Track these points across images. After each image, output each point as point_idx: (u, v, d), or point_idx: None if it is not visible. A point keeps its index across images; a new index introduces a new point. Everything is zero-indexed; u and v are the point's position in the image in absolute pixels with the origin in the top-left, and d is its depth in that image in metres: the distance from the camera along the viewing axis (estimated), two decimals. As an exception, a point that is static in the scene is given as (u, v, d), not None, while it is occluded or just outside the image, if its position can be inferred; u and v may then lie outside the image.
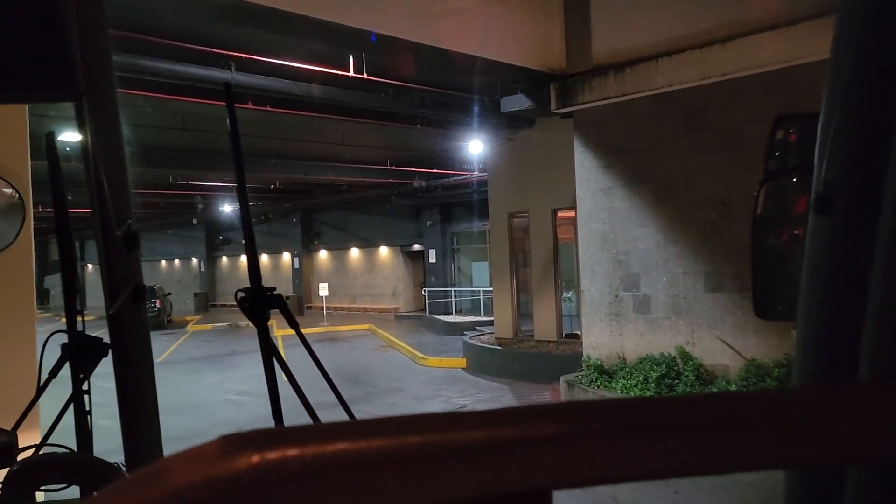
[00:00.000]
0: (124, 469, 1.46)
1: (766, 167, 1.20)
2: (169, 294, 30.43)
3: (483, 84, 11.36)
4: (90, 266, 45.71)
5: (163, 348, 20.59)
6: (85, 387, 1.69)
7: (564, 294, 15.01)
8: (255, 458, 0.27)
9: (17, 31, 0.97)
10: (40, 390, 1.68)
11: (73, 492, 1.44)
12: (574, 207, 14.15)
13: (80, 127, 1.30)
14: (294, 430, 0.28)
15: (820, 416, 0.31)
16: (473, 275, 24.96)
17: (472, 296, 23.57)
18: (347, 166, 19.27)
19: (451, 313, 22.98)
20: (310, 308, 28.95)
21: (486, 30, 9.25)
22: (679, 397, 0.32)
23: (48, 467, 1.34)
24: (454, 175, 21.71)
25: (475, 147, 18.12)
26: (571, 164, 11.66)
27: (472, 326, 20.01)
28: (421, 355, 16.29)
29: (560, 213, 14.70)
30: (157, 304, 27.58)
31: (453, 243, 25.16)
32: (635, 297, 9.80)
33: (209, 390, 14.51)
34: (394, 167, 19.41)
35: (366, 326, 23.62)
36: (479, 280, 24.33)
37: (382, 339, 20.82)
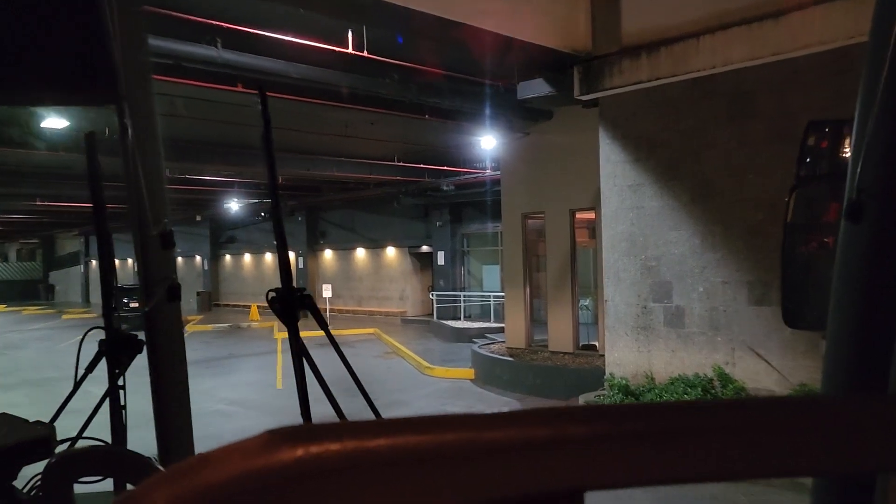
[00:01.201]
0: (157, 462, 1.45)
1: (797, 173, 1.16)
2: (170, 292, 29.53)
3: (497, 68, 10.26)
4: (93, 262, 45.11)
5: (156, 350, 19.64)
6: (120, 382, 1.76)
7: (581, 302, 13.87)
8: (300, 452, 0.28)
9: (61, 39, 1.02)
10: (77, 384, 1.74)
11: (106, 484, 1.43)
12: (594, 208, 13.03)
13: (120, 129, 1.42)
14: (335, 425, 0.29)
15: (849, 425, 0.31)
16: (484, 279, 23.82)
17: (482, 301, 22.45)
18: (352, 161, 18.24)
19: (460, 319, 21.87)
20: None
21: (503, 3, 8.17)
22: (709, 402, 0.32)
23: (86, 459, 1.32)
24: (465, 173, 20.64)
25: (488, 142, 17.10)
26: (592, 162, 10.60)
27: (481, 333, 18.90)
28: (426, 364, 15.20)
29: (578, 215, 13.57)
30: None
31: (463, 245, 24.02)
32: (667, 309, 8.65)
33: (199, 398, 13.36)
34: (402, 163, 18.34)
35: (371, 331, 22.55)
36: (489, 284, 23.20)
37: (387, 344, 19.75)
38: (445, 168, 19.60)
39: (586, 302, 13.88)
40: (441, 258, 23.91)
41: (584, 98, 9.19)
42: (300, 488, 0.27)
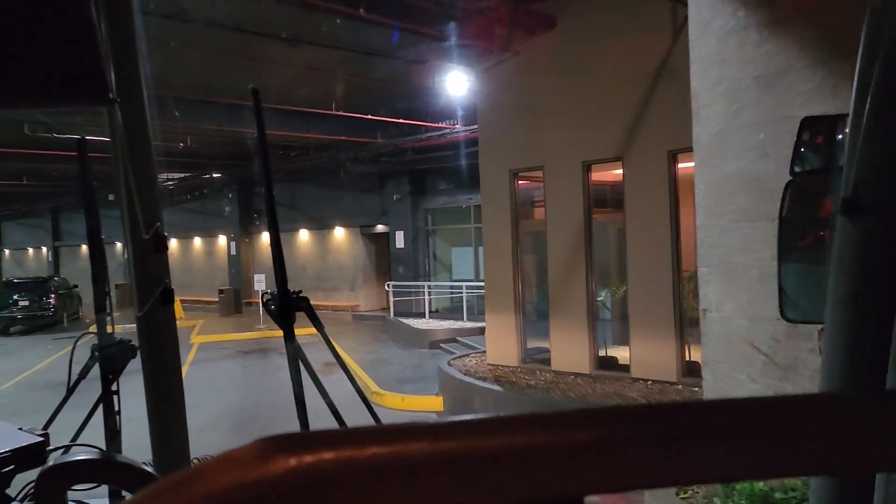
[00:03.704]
0: (152, 469, 1.44)
1: (791, 168, 1.18)
2: (75, 287, 24.43)
3: None
4: (6, 252, 39.34)
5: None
6: (114, 387, 1.79)
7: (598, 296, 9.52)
8: (293, 462, 0.27)
9: (50, 39, 0.99)
10: (70, 390, 1.73)
11: (101, 490, 1.44)
12: (622, 159, 8.62)
13: (111, 131, 1.43)
14: (329, 433, 0.29)
15: (850, 424, 0.31)
16: (454, 265, 19.30)
17: (453, 292, 17.99)
18: (276, 110, 13.50)
19: (424, 315, 17.38)
20: (249, 304, 23.13)
21: None
22: (708, 402, 0.32)
23: (79, 467, 1.29)
24: (429, 130, 16.07)
25: (457, 82, 12.56)
26: (617, 87, 6.22)
27: (451, 337, 14.45)
28: (375, 387, 10.72)
29: (595, 172, 9.16)
30: (53, 302, 21.72)
31: (427, 223, 19.41)
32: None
33: None
34: (343, 113, 13.65)
35: (312, 331, 17.83)
36: (461, 271, 18.73)
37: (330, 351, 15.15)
38: (402, 121, 14.96)
39: (602, 296, 9.54)
40: (400, 240, 19.28)
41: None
42: (294, 499, 0.27)
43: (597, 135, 8.70)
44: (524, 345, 10.01)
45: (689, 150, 7.65)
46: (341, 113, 13.54)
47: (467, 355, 11.31)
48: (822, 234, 1.17)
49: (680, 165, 8.17)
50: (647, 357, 8.46)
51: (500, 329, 10.11)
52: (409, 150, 17.49)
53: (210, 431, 8.82)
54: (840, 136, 0.96)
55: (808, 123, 1.19)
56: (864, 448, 0.31)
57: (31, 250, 37.10)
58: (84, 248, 34.11)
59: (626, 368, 8.84)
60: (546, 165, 9.39)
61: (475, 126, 15.58)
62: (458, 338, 14.19)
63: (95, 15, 1.04)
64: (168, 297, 1.57)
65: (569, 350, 9.19)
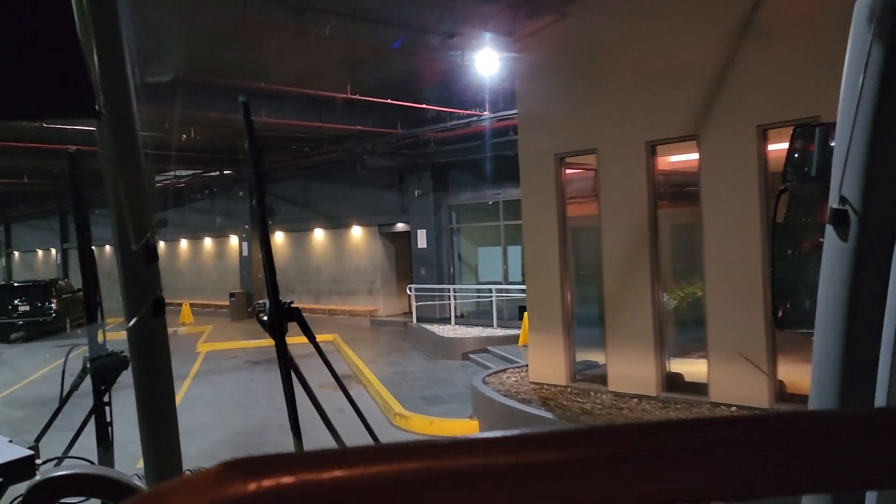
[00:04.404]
0: (142, 481, 1.47)
1: (784, 176, 1.18)
2: (79, 291, 23.22)
3: None
4: (16, 254, 38.55)
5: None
6: (105, 399, 1.81)
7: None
8: (251, 486, 0.27)
9: (36, 50, 0.98)
10: (62, 402, 1.75)
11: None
12: (697, 138, 7.15)
13: (99, 142, 1.44)
14: (292, 456, 0.29)
15: (840, 440, 0.31)
16: (480, 265, 17.85)
17: (480, 296, 16.53)
18: (287, 92, 12.14)
19: (449, 321, 15.94)
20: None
21: None
22: (697, 420, 0.31)
23: (67, 481, 1.30)
24: (453, 116, 14.66)
25: (488, 60, 11.20)
26: (696, 43, 4.75)
27: (481, 346, 13.02)
28: (398, 407, 9.32)
29: (660, 155, 7.68)
30: (54, 307, 20.60)
31: (452, 221, 17.96)
32: None
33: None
34: (359, 96, 12.24)
35: (328, 337, 16.53)
36: (488, 272, 17.27)
37: (347, 361, 13.80)
38: (424, 107, 13.54)
39: (667, 297, 8.05)
40: (422, 239, 17.84)
41: None
42: None
43: (667, 108, 7.22)
44: (574, 360, 8.53)
45: (786, 124, 6.12)
46: (357, 96, 12.12)
47: (504, 370, 9.85)
48: (814, 242, 1.15)
49: (770, 147, 6.68)
50: (730, 377, 6.95)
51: (545, 341, 8.64)
52: (432, 141, 16.08)
53: (208, 461, 7.50)
54: (832, 145, 0.96)
55: (800, 131, 1.18)
56: (854, 465, 0.30)
57: (40, 252, 36.24)
58: (94, 250, 33.16)
59: (699, 389, 7.35)
60: (600, 148, 7.92)
61: (504, 113, 14.13)
62: (489, 347, 12.75)
63: (81, 25, 1.04)
64: (159, 307, 1.58)
65: (629, 367, 7.71)
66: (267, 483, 0.27)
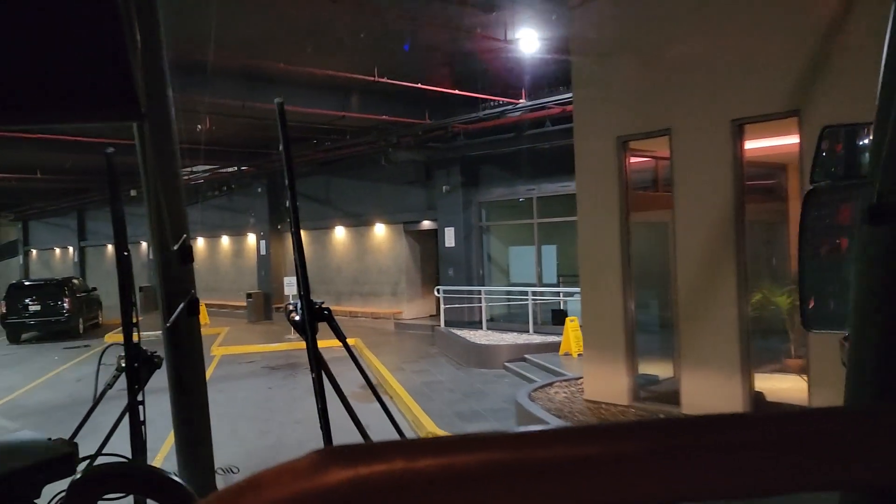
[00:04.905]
0: (178, 478, 1.44)
1: (811, 177, 1.18)
2: (94, 290, 22.54)
3: None
4: (34, 252, 38.11)
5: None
6: (139, 397, 1.77)
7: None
8: (349, 473, 0.28)
9: (83, 55, 0.99)
10: (97, 401, 1.75)
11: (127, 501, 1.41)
12: (799, 114, 5.99)
13: (139, 145, 1.49)
14: (383, 445, 0.29)
15: (875, 436, 0.31)
16: (512, 266, 16.72)
17: (514, 299, 15.40)
18: (309, 75, 11.12)
19: (480, 325, 14.84)
20: (279, 309, 20.90)
21: None
22: (730, 416, 0.31)
23: (109, 477, 1.31)
24: (486, 103, 13.57)
25: (529, 39, 10.14)
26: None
27: (518, 355, 11.90)
28: (430, 424, 8.25)
29: (748, 138, 6.50)
30: (67, 306, 19.80)
31: (482, 218, 16.84)
32: None
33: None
34: (386, 79, 11.18)
35: (350, 342, 15.37)
36: (520, 274, 16.14)
37: (369, 368, 12.73)
38: (455, 91, 12.44)
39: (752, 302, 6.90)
40: (450, 237, 16.76)
41: None
42: None
43: (757, 79, 6.06)
44: (637, 377, 7.39)
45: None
46: (384, 79, 11.06)
47: (551, 384, 8.72)
48: (843, 242, 1.17)
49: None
50: (837, 396, 5.77)
51: (603, 354, 7.51)
52: (462, 133, 15.01)
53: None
54: (861, 145, 0.97)
55: (828, 132, 1.18)
56: (891, 462, 0.30)
57: (57, 250, 35.73)
58: (110, 247, 32.57)
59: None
60: (674, 128, 6.78)
61: (542, 101, 13.02)
62: (526, 355, 11.63)
63: (127, 30, 1.05)
64: (194, 307, 1.60)
65: (708, 384, 6.56)
66: (363, 471, 0.28)
